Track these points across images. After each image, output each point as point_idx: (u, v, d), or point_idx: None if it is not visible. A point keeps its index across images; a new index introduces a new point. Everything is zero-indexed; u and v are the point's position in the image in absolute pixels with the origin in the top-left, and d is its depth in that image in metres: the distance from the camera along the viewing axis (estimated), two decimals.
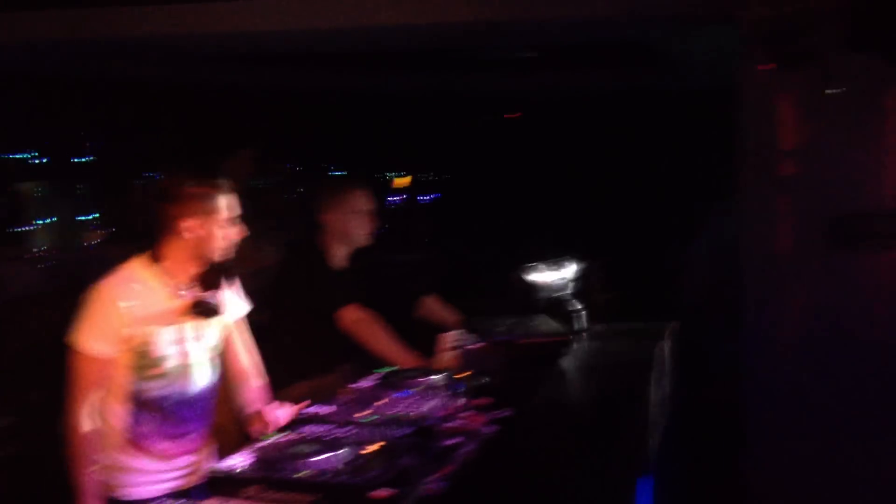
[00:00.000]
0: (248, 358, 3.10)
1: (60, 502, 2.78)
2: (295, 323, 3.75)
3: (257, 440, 2.50)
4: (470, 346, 3.44)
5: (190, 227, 2.80)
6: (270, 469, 2.27)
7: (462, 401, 2.91)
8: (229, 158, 5.44)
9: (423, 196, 9.53)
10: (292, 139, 7.68)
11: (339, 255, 3.85)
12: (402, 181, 9.22)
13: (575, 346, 3.44)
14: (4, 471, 3.39)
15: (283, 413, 2.92)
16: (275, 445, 2.40)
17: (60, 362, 2.84)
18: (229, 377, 3.06)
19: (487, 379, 3.16)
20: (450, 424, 2.69)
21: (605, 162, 8.54)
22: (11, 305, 4.56)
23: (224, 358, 3.04)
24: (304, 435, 2.56)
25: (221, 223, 2.83)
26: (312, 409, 2.83)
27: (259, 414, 2.97)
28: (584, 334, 3.67)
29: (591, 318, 3.81)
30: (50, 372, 3.72)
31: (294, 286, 3.77)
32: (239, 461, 2.33)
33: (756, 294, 3.67)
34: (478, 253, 7.83)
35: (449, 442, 2.60)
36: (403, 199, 9.21)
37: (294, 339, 3.72)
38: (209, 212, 2.81)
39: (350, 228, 3.80)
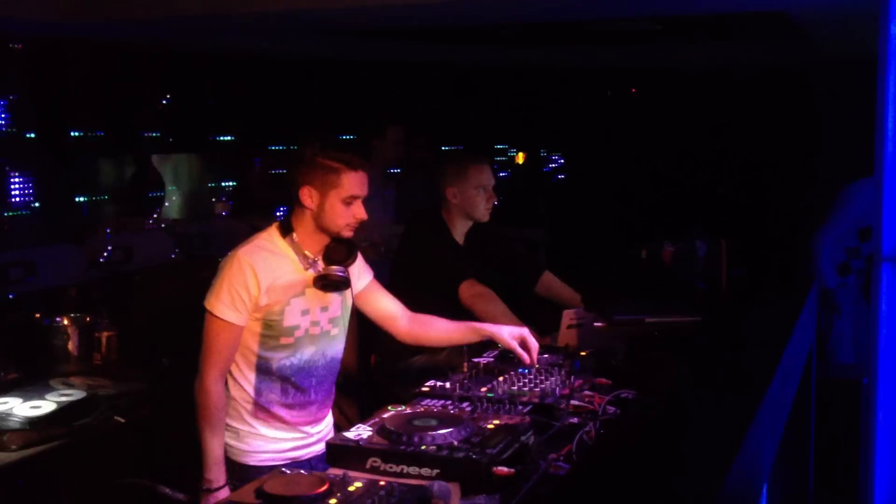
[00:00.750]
0: (392, 302, 3.15)
1: (187, 465, 2.86)
2: (412, 296, 3.75)
3: (383, 410, 2.50)
4: (591, 324, 3.37)
5: (310, 197, 2.82)
6: (389, 441, 2.27)
7: (581, 380, 2.86)
8: (378, 138, 5.44)
9: (545, 171, 9.44)
10: (420, 114, 7.69)
11: (460, 229, 3.84)
12: (520, 157, 9.14)
13: (702, 326, 3.33)
14: (136, 433, 3.52)
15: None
16: (394, 418, 2.40)
17: (189, 329, 2.92)
18: (387, 324, 3.12)
19: (608, 359, 3.10)
20: (569, 404, 2.65)
21: (734, 137, 8.27)
22: (142, 274, 4.71)
23: (373, 311, 3.09)
24: (423, 409, 2.56)
25: (342, 199, 2.83)
26: (431, 383, 2.83)
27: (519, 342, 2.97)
28: (713, 314, 3.54)
29: (719, 297, 3.68)
30: (179, 339, 3.84)
31: (414, 259, 3.78)
32: (358, 433, 2.34)
33: (891, 279, 3.47)
34: (601, 229, 7.72)
35: (568, 422, 2.56)
36: (523, 174, 9.13)
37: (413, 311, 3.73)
38: (330, 185, 2.82)
39: (472, 203, 3.77)
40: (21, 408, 3.33)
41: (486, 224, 3.90)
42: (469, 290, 3.63)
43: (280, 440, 2.91)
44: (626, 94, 9.13)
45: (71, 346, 4.11)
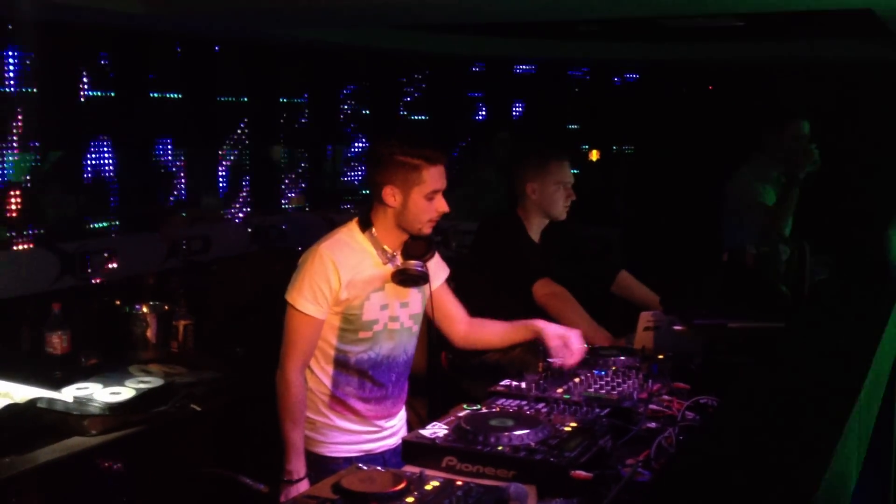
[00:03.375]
0: (456, 305, 3.14)
1: (264, 455, 2.88)
2: (486, 293, 3.73)
3: (458, 409, 2.49)
4: (668, 327, 3.31)
5: (393, 196, 2.82)
6: (465, 441, 2.26)
7: (659, 384, 2.81)
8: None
9: (622, 169, 9.30)
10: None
11: (536, 227, 3.80)
12: (594, 154, 9.05)
13: (786, 332, 3.23)
14: (212, 422, 3.57)
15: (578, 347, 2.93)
16: (470, 418, 2.39)
17: (264, 320, 2.94)
18: (447, 326, 3.12)
19: (686, 363, 3.04)
20: (647, 408, 2.60)
21: (815, 137, 8.05)
22: (219, 265, 4.78)
23: (437, 311, 3.07)
24: (498, 408, 2.54)
25: (424, 194, 2.82)
26: (506, 383, 2.81)
27: (561, 342, 2.94)
28: (796, 320, 3.45)
29: (802, 302, 3.59)
30: (254, 329, 3.88)
31: (489, 257, 3.75)
32: (434, 431, 2.33)
33: None
34: (681, 229, 7.58)
35: (646, 426, 2.52)
36: (598, 171, 9.03)
37: (483, 310, 3.70)
38: (412, 182, 2.81)
39: (550, 199, 3.72)
40: (101, 393, 3.39)
41: (561, 222, 3.85)
42: (543, 289, 3.59)
43: (355, 432, 2.92)
44: (702, 91, 8.97)
45: (149, 333, 4.19)
